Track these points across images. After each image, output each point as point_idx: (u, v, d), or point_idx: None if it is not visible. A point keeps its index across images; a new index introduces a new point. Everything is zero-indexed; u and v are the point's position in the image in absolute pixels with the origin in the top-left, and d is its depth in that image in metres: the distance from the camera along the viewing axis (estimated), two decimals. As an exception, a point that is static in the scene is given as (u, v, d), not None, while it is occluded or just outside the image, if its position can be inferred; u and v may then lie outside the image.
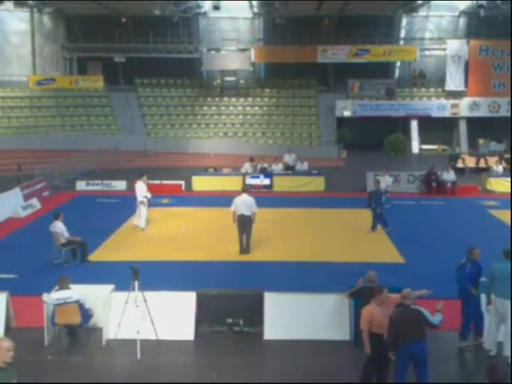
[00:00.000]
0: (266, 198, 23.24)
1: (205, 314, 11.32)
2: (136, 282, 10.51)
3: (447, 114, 42.97)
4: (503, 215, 21.09)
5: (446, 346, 10.97)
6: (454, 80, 43.21)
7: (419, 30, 46.14)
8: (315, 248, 17.50)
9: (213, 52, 45.55)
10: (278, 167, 28.36)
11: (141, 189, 19.54)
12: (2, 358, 6.59)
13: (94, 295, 11.10)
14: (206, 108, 44.65)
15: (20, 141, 37.08)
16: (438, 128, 43.19)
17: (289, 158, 29.18)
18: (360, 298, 10.07)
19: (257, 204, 16.80)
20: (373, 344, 8.98)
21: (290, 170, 28.64)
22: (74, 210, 22.10)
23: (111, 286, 11.43)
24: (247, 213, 16.55)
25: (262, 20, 46.27)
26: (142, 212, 19.46)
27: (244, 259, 16.34)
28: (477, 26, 43.79)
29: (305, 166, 28.89)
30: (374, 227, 19.50)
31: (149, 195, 19.77)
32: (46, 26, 44.66)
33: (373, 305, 9.02)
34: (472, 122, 42.69)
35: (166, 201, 23.36)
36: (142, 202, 19.41)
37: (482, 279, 13.88)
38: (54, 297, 10.75)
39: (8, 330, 11.25)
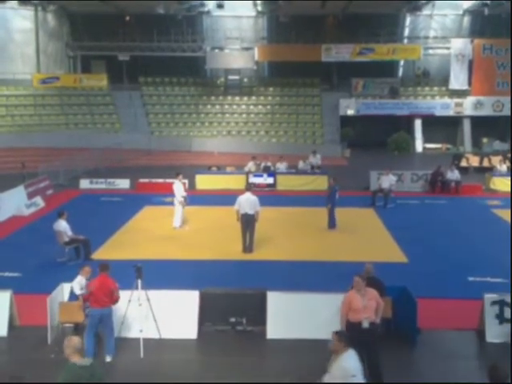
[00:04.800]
0: (269, 196, 23.27)
1: (208, 313, 11.32)
2: (139, 281, 10.51)
3: (451, 112, 42.98)
4: (507, 214, 21.04)
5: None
6: (458, 79, 43.16)
7: (423, 29, 46.11)
8: (318, 247, 17.49)
9: (216, 50, 45.59)
10: (282, 166, 28.40)
11: (178, 188, 19.50)
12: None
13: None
14: (209, 106, 44.72)
15: (24, 139, 37.17)
16: (441, 127, 43.14)
17: (314, 159, 29.44)
18: None
19: (260, 203, 16.80)
20: (351, 333, 9.03)
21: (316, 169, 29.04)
22: (77, 208, 22.11)
23: (114, 285, 11.44)
24: (251, 211, 16.56)
25: (266, 18, 46.33)
26: (179, 211, 19.45)
27: (247, 258, 16.33)
28: (481, 24, 43.77)
29: (307, 165, 29.03)
30: (331, 225, 19.41)
31: (185, 194, 19.75)
32: (50, 24, 44.75)
33: (353, 291, 9.25)
34: (476, 120, 42.66)
35: (169, 199, 23.30)
36: (180, 202, 19.40)
37: (497, 280, 14.00)
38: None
39: (11, 328, 11.28)
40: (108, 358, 10.14)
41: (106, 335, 10.32)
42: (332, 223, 19.44)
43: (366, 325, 9.01)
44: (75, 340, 7.09)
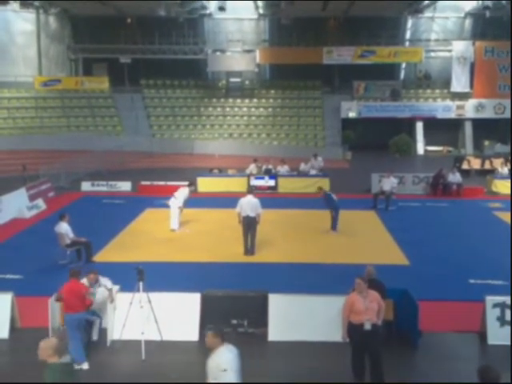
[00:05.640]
0: (270, 199, 23.27)
1: (209, 315, 11.31)
2: (141, 283, 10.53)
3: (452, 115, 42.99)
4: (508, 217, 21.02)
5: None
6: (460, 81, 43.19)
7: (425, 32, 46.15)
8: (320, 249, 17.49)
9: (218, 53, 45.63)
10: (283, 169, 28.41)
11: (183, 194, 19.59)
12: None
13: (99, 296, 11.10)
14: (211, 109, 44.74)
15: (25, 141, 37.20)
16: (443, 129, 43.14)
17: (315, 162, 29.44)
18: None
19: (262, 205, 16.83)
20: (353, 335, 9.18)
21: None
22: (79, 210, 22.16)
23: (116, 287, 11.43)
24: (252, 214, 16.58)
25: (268, 21, 46.39)
26: (176, 214, 19.50)
27: (248, 260, 16.33)
28: (482, 27, 43.81)
29: (308, 166, 29.06)
30: (334, 227, 19.51)
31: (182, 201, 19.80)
32: (51, 26, 44.84)
33: (355, 293, 9.26)
34: (477, 123, 42.63)
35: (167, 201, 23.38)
36: (179, 207, 19.48)
37: (499, 282, 14.01)
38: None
39: (13, 330, 11.28)
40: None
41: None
42: (333, 225, 19.46)
43: (367, 327, 9.03)
44: (54, 341, 7.04)
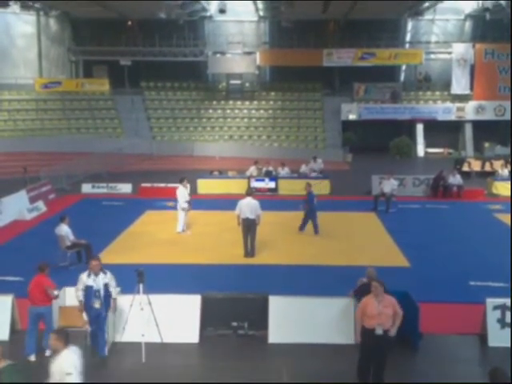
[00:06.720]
0: (271, 201, 23.27)
1: (209, 317, 11.32)
2: (141, 285, 10.53)
3: (453, 117, 42.99)
4: (509, 219, 21.02)
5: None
6: (460, 83, 43.18)
7: (425, 34, 46.16)
8: (320, 251, 17.48)
9: (218, 55, 45.66)
10: (283, 171, 28.42)
11: (182, 193, 19.50)
12: None
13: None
14: (211, 111, 44.76)
15: (26, 143, 37.22)
16: (443, 131, 43.09)
17: (315, 165, 29.50)
18: (363, 295, 10.06)
19: (262, 207, 16.83)
20: (364, 338, 9.14)
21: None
22: (79, 212, 22.18)
23: (117, 289, 11.42)
24: (252, 216, 16.56)
25: (268, 23, 46.43)
26: (181, 217, 19.45)
27: (249, 262, 16.33)
28: (482, 29, 43.83)
29: (308, 168, 29.11)
30: (302, 228, 19.52)
31: (188, 198, 19.73)
32: (52, 29, 44.88)
33: (370, 296, 9.17)
34: (478, 125, 42.62)
35: (171, 204, 23.33)
36: (183, 209, 19.40)
37: (499, 284, 14.01)
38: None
39: (13, 332, 11.28)
40: (47, 353, 10.29)
41: (45, 332, 10.48)
42: (313, 228, 19.41)
43: (379, 331, 8.93)
44: None
